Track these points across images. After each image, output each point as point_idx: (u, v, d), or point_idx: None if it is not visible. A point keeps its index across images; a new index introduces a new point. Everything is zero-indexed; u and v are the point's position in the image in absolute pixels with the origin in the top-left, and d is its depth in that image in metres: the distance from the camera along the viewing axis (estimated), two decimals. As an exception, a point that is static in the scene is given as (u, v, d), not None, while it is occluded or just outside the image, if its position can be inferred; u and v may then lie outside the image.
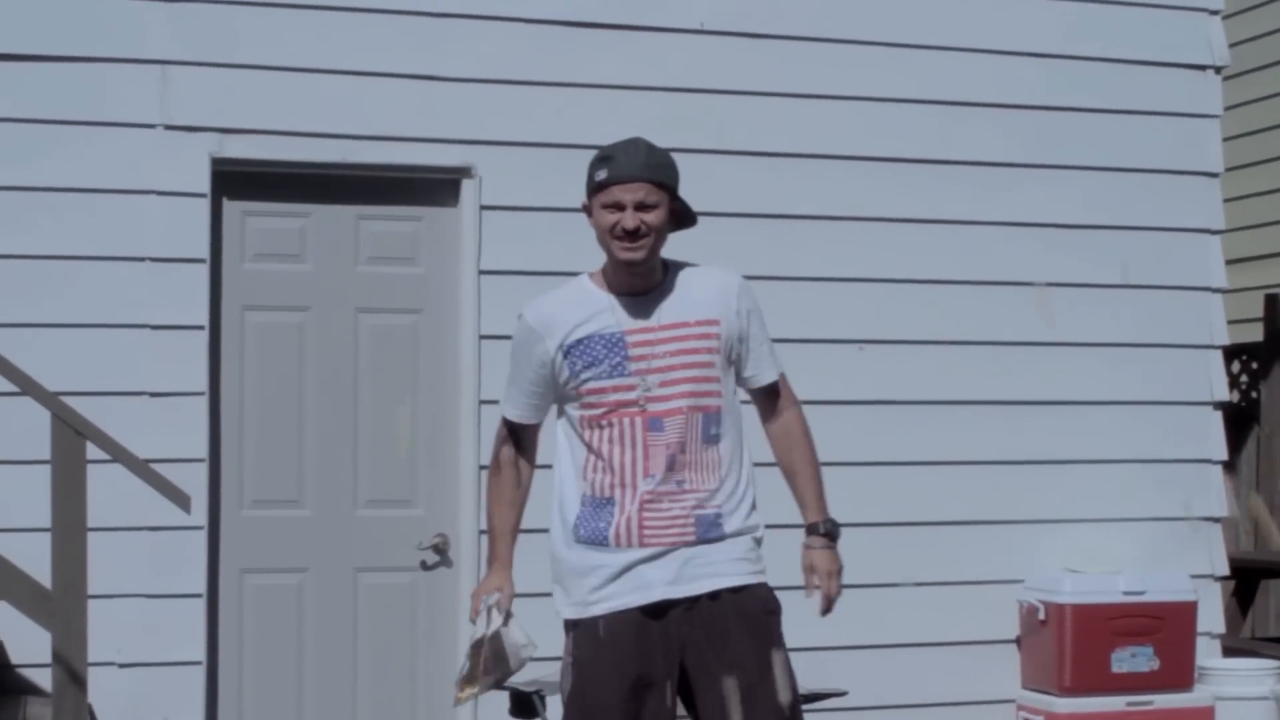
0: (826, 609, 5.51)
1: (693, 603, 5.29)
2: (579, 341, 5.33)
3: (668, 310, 5.37)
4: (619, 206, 5.26)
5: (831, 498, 8.29)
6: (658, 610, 5.28)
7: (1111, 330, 8.88)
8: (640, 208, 5.26)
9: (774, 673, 5.35)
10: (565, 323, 5.35)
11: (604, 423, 5.34)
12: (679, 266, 5.48)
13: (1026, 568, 8.63)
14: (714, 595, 5.31)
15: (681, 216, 5.43)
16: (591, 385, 5.33)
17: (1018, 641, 8.68)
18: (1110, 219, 8.92)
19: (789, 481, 5.65)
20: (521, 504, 5.69)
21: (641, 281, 5.37)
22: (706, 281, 5.46)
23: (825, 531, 5.54)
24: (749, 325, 5.46)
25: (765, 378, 5.54)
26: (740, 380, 5.52)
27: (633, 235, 5.25)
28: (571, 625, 5.41)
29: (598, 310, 5.36)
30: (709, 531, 5.34)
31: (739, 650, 5.29)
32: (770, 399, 5.58)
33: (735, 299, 5.44)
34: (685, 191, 8.04)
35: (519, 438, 5.63)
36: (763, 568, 5.43)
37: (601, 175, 5.31)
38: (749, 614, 5.34)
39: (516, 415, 5.58)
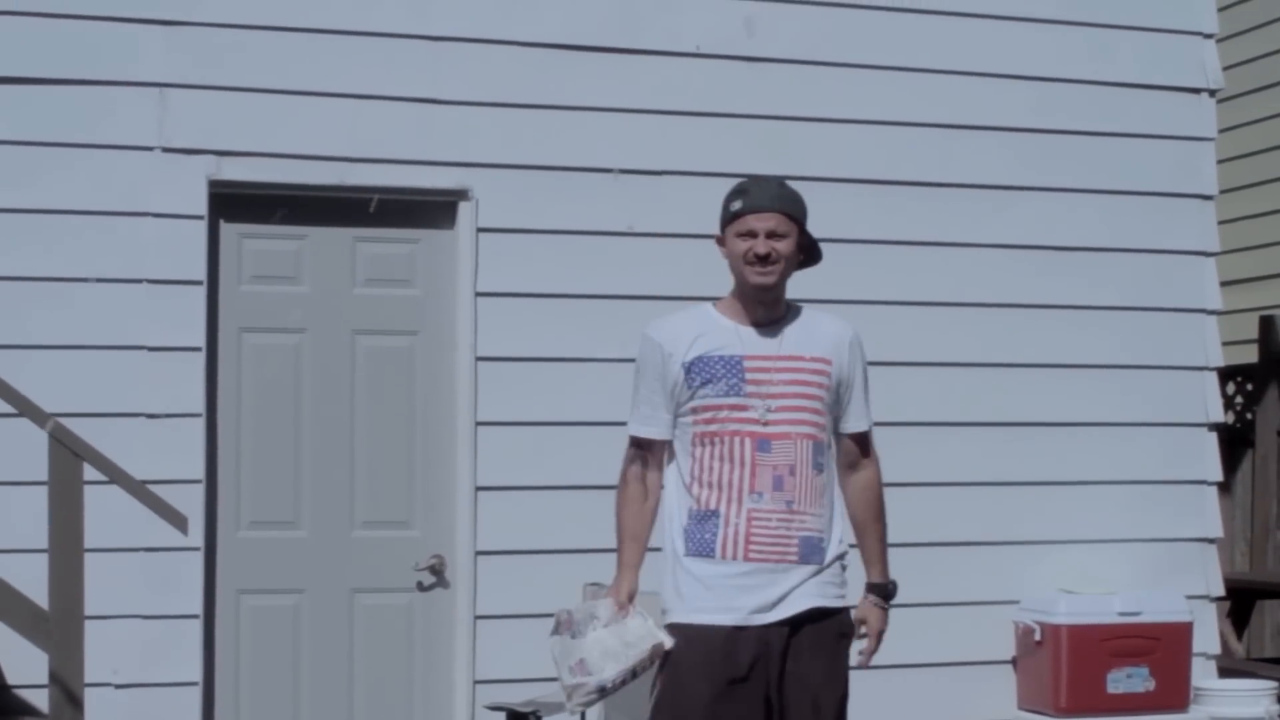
0: (866, 662, 5.84)
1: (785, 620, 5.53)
2: (699, 358, 5.59)
3: (788, 343, 5.66)
4: (752, 234, 5.60)
5: (827, 518, 8.34)
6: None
7: (1107, 352, 8.89)
8: (771, 236, 5.59)
9: (833, 689, 5.64)
10: (687, 338, 5.64)
11: (715, 439, 5.58)
12: (800, 308, 5.78)
13: (1022, 588, 8.64)
14: (804, 615, 5.55)
15: (809, 252, 5.78)
16: (708, 402, 5.58)
17: (1013, 662, 8.68)
18: (1105, 241, 8.94)
19: (857, 534, 5.90)
20: (651, 515, 5.84)
21: (766, 311, 5.68)
22: (826, 324, 5.78)
23: (886, 594, 5.83)
24: (854, 374, 5.73)
25: (858, 426, 5.77)
26: (836, 424, 5.75)
27: (764, 260, 5.57)
28: (673, 627, 5.59)
29: (720, 332, 5.66)
30: (812, 554, 5.58)
31: (811, 666, 5.55)
32: (856, 449, 5.81)
33: (848, 347, 5.74)
34: (677, 213, 8.12)
35: (646, 454, 5.78)
36: (845, 593, 5.69)
37: (737, 206, 5.69)
38: (827, 634, 5.61)
39: (645, 432, 5.75)
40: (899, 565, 8.36)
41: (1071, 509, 8.79)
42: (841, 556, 5.69)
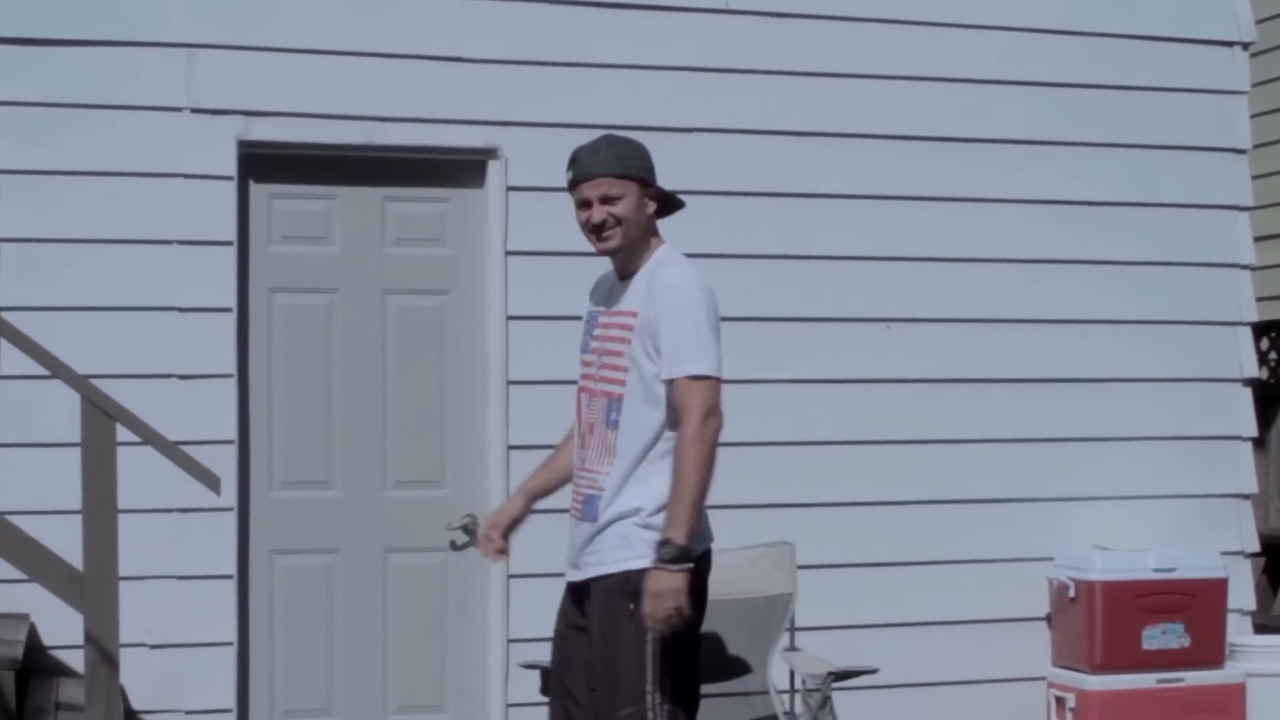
0: (646, 623, 5.37)
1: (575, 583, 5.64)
2: (587, 312, 5.79)
3: (617, 298, 5.63)
4: (587, 203, 5.55)
5: (859, 476, 8.44)
6: None
7: (1140, 308, 8.87)
8: (605, 200, 5.50)
9: (604, 650, 5.49)
10: (599, 293, 5.79)
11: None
12: (663, 260, 5.59)
13: (1056, 545, 8.64)
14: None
15: (663, 201, 5.65)
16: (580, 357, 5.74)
17: (1048, 619, 8.68)
18: (1138, 196, 8.91)
19: None
20: (559, 455, 6.02)
21: (622, 268, 5.64)
22: (649, 275, 5.55)
23: (662, 554, 5.34)
24: (659, 320, 5.43)
25: (666, 373, 5.44)
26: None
27: (599, 229, 5.52)
28: None
29: (607, 287, 5.73)
30: (590, 513, 5.54)
31: (592, 625, 5.53)
32: (672, 399, 5.45)
33: (656, 294, 5.47)
34: (707, 171, 8.10)
35: None
36: (635, 553, 5.42)
37: (569, 176, 5.61)
38: (599, 594, 5.50)
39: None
40: (932, 523, 8.47)
41: (1106, 465, 8.78)
42: (631, 515, 5.46)
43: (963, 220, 8.65)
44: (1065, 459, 8.74)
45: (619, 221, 5.52)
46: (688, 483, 5.37)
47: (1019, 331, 8.70)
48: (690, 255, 8.11)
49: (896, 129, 8.58)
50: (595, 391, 5.61)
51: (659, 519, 5.41)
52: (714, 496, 8.02)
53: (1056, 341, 8.74)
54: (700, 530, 5.46)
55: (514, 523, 5.95)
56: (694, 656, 5.58)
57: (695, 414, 5.37)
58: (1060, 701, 8.52)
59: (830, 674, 6.56)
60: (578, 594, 5.62)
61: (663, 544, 5.33)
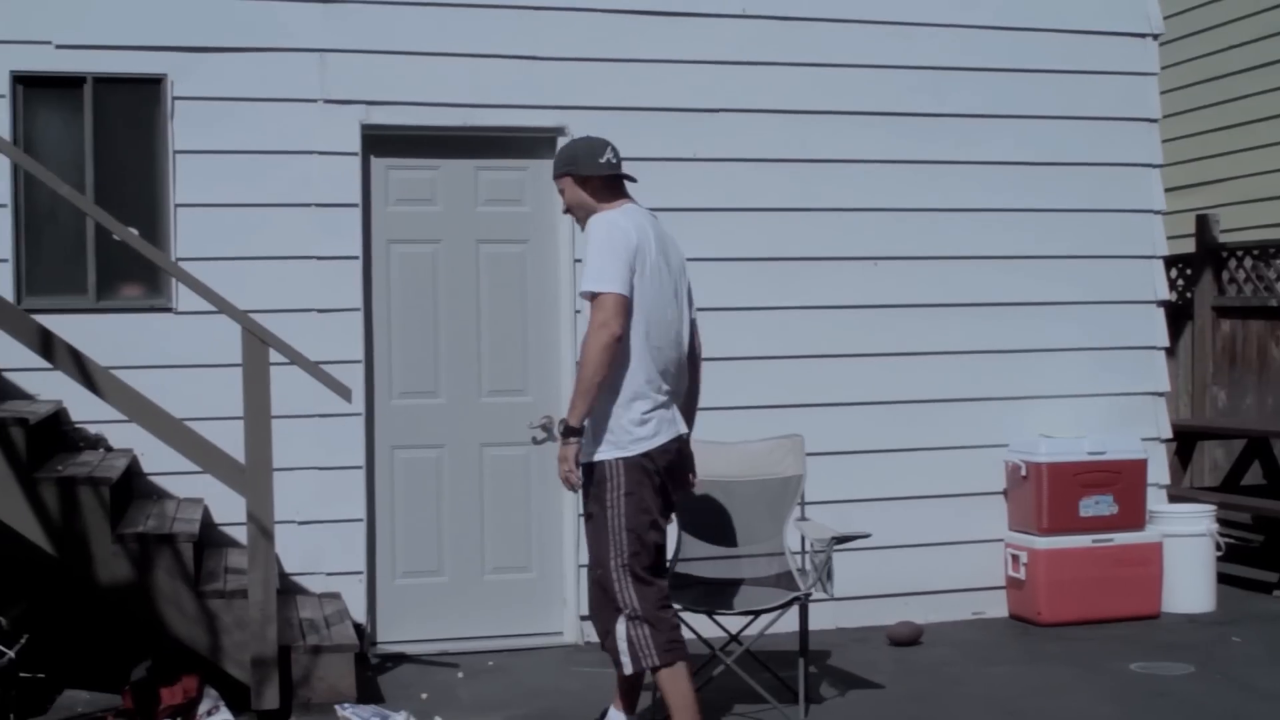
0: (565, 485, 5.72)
1: None
2: None
3: None
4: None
5: (852, 384, 8.46)
6: None
7: (1075, 246, 8.79)
8: (561, 194, 5.98)
9: (592, 533, 5.76)
10: None
11: None
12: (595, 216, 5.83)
13: (1010, 434, 8.58)
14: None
15: (603, 179, 5.88)
16: None
17: (1004, 493, 8.63)
18: (1071, 158, 8.81)
19: None
20: None
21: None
22: None
23: (558, 431, 5.88)
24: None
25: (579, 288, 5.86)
26: None
27: (567, 211, 6.00)
28: None
29: None
30: None
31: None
32: None
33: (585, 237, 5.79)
34: (730, 143, 8.05)
35: None
36: (594, 449, 5.66)
37: None
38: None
39: None
40: (912, 419, 8.46)
41: (1049, 371, 8.72)
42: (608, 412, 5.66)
43: (931, 179, 8.55)
44: (1017, 367, 8.67)
45: (568, 206, 5.97)
46: (580, 378, 5.58)
47: (980, 266, 8.62)
48: (714, 210, 8.21)
49: (877, 107, 8.48)
50: None
51: (617, 415, 5.61)
52: (740, 399, 8.12)
53: (1009, 274, 8.65)
54: (650, 431, 5.65)
55: None
56: (654, 528, 5.69)
57: (592, 323, 5.57)
58: (1015, 558, 8.48)
59: (833, 538, 6.52)
60: None
61: (561, 424, 5.66)
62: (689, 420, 5.99)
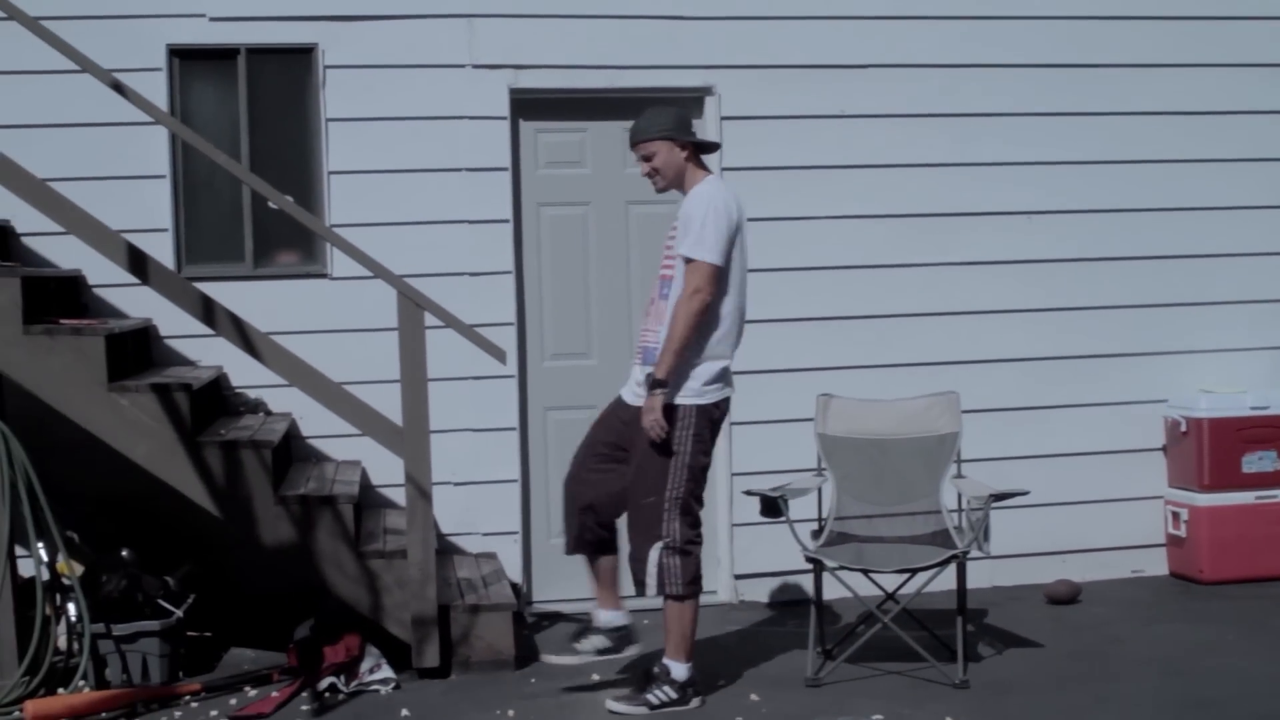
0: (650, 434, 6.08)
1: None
2: None
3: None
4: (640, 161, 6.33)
5: (1008, 340, 8.36)
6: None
7: (1236, 197, 8.58)
8: (645, 159, 6.26)
9: (635, 454, 6.16)
10: None
11: None
12: (693, 186, 6.23)
13: (1170, 390, 8.43)
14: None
15: (695, 144, 6.26)
16: None
17: (1164, 449, 8.49)
18: (1233, 106, 8.59)
19: None
20: None
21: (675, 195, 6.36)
22: (685, 197, 6.24)
23: (647, 384, 6.08)
24: (685, 219, 6.11)
25: (676, 251, 6.13)
26: None
27: (650, 177, 6.29)
28: None
29: None
30: (647, 358, 6.17)
31: (640, 440, 6.12)
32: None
33: (682, 207, 6.18)
34: (881, 98, 7.98)
35: None
36: (685, 389, 6.08)
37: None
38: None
39: None
40: (1070, 374, 8.35)
41: (1209, 325, 8.55)
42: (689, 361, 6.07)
43: (1086, 131, 8.40)
44: (1176, 321, 8.51)
45: (654, 171, 6.24)
46: (671, 336, 6.02)
47: (1137, 219, 8.46)
48: (863, 167, 8.18)
49: (1030, 59, 8.35)
50: (660, 276, 6.22)
51: (697, 369, 6.06)
52: (898, 357, 8.06)
53: (1167, 227, 8.48)
54: (718, 386, 6.15)
55: None
56: (705, 471, 6.18)
57: (689, 287, 6.01)
58: (1176, 515, 8.35)
59: (991, 496, 6.46)
60: (629, 410, 6.24)
61: (649, 377, 6.05)
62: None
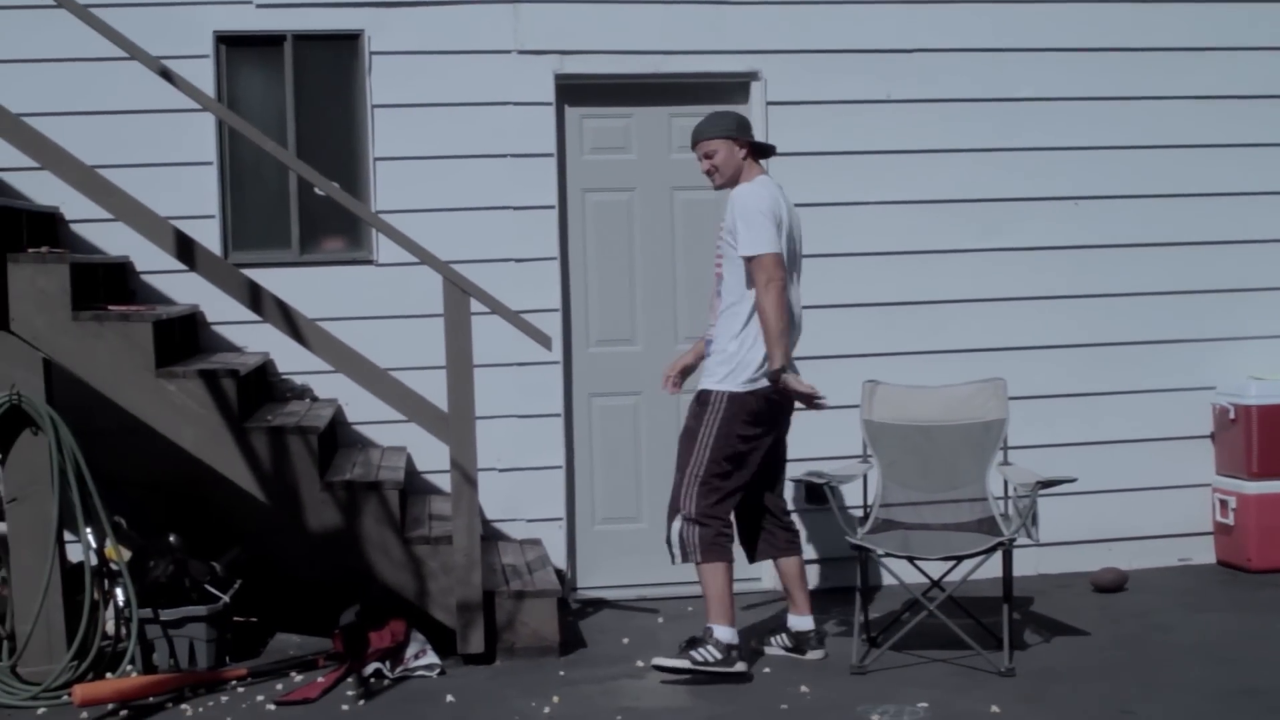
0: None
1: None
2: None
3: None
4: (701, 159, 6.61)
5: (1055, 327, 8.36)
6: None
7: (1283, 182, 8.55)
8: (705, 157, 6.56)
9: (685, 432, 6.53)
10: None
11: None
12: (740, 185, 6.49)
13: (1218, 377, 8.37)
14: None
15: (754, 146, 6.55)
16: None
17: (1212, 437, 8.43)
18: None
19: None
20: None
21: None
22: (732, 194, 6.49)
23: (767, 373, 6.33)
24: (731, 222, 6.37)
25: (739, 253, 6.34)
26: None
27: (709, 174, 6.58)
28: None
29: None
30: (709, 349, 6.53)
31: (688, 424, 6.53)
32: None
33: (729, 205, 6.41)
34: (925, 83, 7.94)
35: None
36: (710, 380, 6.45)
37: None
38: (692, 402, 6.57)
39: None
40: (1118, 360, 8.30)
41: (1258, 311, 8.48)
42: (718, 352, 6.43)
43: (1133, 116, 8.34)
44: (1224, 307, 8.44)
45: (713, 169, 6.53)
46: (767, 327, 6.27)
47: (1185, 204, 8.39)
48: (909, 152, 8.15)
49: (1076, 43, 8.29)
50: (715, 274, 6.53)
51: (730, 352, 6.38)
52: (943, 343, 8.05)
53: (1215, 212, 8.41)
54: (746, 372, 6.36)
55: (686, 370, 6.81)
56: (744, 454, 6.40)
57: (759, 283, 6.27)
58: (1224, 503, 8.29)
59: (1038, 483, 6.43)
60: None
61: (764, 367, 6.31)
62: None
